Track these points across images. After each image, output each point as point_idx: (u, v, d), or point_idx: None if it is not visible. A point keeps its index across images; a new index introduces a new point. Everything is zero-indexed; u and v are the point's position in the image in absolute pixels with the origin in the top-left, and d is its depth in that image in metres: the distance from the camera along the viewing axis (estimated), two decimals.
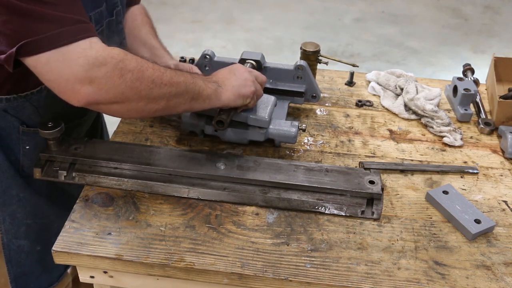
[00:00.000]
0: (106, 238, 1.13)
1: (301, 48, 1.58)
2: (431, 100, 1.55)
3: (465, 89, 1.55)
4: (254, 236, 1.15)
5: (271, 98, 1.38)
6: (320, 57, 1.59)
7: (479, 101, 1.61)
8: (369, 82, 1.69)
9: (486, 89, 1.69)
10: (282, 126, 1.35)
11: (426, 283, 1.07)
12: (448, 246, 1.15)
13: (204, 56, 1.48)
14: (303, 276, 1.07)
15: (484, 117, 1.55)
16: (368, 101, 1.61)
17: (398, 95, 1.61)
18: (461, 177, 1.35)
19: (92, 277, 1.16)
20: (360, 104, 1.60)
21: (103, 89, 1.03)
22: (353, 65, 1.64)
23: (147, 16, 1.54)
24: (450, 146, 1.45)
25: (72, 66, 1.00)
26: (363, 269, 1.09)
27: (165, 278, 1.13)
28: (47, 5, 0.98)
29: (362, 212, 1.21)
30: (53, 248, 1.11)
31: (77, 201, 1.22)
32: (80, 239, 1.12)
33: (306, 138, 1.45)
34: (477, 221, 1.18)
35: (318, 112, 1.57)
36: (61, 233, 1.14)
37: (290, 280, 1.07)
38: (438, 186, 1.31)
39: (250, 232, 1.16)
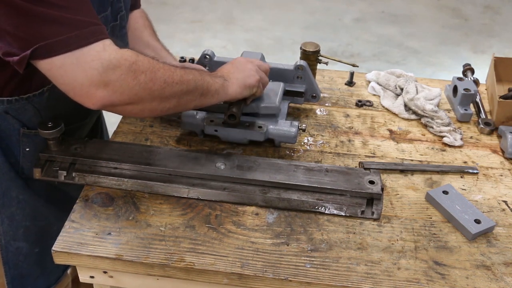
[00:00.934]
0: (106, 238, 1.13)
1: (301, 48, 1.58)
2: (431, 100, 1.55)
3: (465, 89, 1.54)
4: (254, 236, 1.15)
5: (280, 84, 1.42)
6: (320, 57, 1.59)
7: (479, 101, 1.61)
8: (369, 82, 1.69)
9: (486, 89, 1.69)
10: (282, 126, 1.35)
11: (426, 283, 1.07)
12: (448, 246, 1.15)
13: (204, 56, 1.48)
14: (303, 276, 1.07)
15: (484, 117, 1.55)
16: (368, 101, 1.61)
17: (398, 95, 1.61)
18: (461, 177, 1.35)
19: (92, 277, 1.16)
20: (360, 104, 1.60)
21: (117, 92, 1.03)
22: (353, 65, 1.64)
23: (147, 19, 1.56)
24: (450, 146, 1.45)
25: (86, 70, 1.00)
26: (363, 269, 1.09)
27: (165, 278, 1.13)
28: (60, 8, 0.99)
29: (362, 212, 1.21)
30: (53, 248, 1.11)
31: (77, 201, 1.22)
32: (80, 239, 1.12)
33: (306, 138, 1.45)
34: (477, 221, 1.18)
35: (318, 112, 1.57)
36: (61, 233, 1.14)
37: (290, 280, 1.07)
38: (438, 186, 1.31)
39: (250, 232, 1.16)
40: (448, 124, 1.48)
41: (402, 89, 1.60)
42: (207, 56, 1.48)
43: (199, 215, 1.20)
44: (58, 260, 1.12)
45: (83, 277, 1.17)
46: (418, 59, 4.02)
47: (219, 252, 1.11)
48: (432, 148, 1.44)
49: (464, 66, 1.72)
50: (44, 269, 1.42)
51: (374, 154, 1.41)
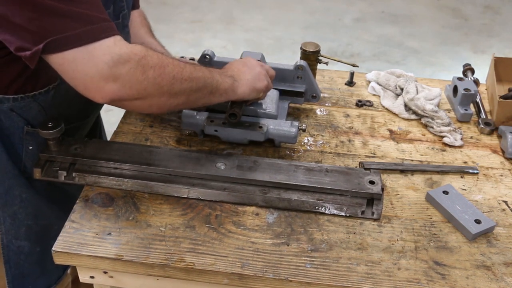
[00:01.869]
0: (106, 238, 1.13)
1: (301, 48, 1.58)
2: (431, 100, 1.55)
3: (465, 89, 1.54)
4: (254, 236, 1.15)
5: (275, 92, 1.43)
6: (320, 57, 1.59)
7: (479, 101, 1.61)
8: (369, 82, 1.69)
9: (486, 89, 1.69)
10: (282, 126, 1.35)
11: (426, 283, 1.07)
12: (448, 246, 1.15)
13: (204, 56, 1.48)
14: (303, 276, 1.07)
15: (484, 117, 1.55)
16: (368, 101, 1.61)
17: (398, 95, 1.61)
18: (461, 177, 1.35)
19: (92, 277, 1.16)
20: (360, 104, 1.60)
21: (126, 86, 1.04)
22: (353, 65, 1.64)
23: (145, 19, 1.57)
24: (450, 146, 1.45)
25: (97, 64, 1.01)
26: (363, 269, 1.09)
27: (165, 279, 1.13)
28: (73, 3, 1.00)
29: (362, 212, 1.21)
30: (53, 248, 1.11)
31: (77, 201, 1.22)
32: (80, 239, 1.12)
33: (306, 138, 1.45)
34: (477, 221, 1.18)
35: (318, 112, 1.57)
36: (61, 233, 1.14)
37: (290, 280, 1.07)
38: (438, 186, 1.30)
39: (250, 232, 1.16)
40: (448, 124, 1.48)
41: (402, 89, 1.60)
42: (207, 56, 1.48)
43: (199, 215, 1.20)
44: (58, 260, 1.12)
45: (83, 277, 1.17)
46: (418, 59, 4.02)
47: (219, 252, 1.11)
48: (432, 148, 1.44)
49: (464, 66, 1.72)
50: (44, 269, 1.42)
51: (374, 154, 1.41)
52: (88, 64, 1.01)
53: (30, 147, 1.29)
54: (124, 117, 1.50)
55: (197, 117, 1.37)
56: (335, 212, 1.21)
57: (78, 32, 1.00)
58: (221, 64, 1.47)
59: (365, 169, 1.32)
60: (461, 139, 1.46)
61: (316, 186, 1.23)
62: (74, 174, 1.26)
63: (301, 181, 1.24)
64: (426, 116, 1.51)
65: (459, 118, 1.55)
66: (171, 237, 1.14)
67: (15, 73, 1.17)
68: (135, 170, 1.26)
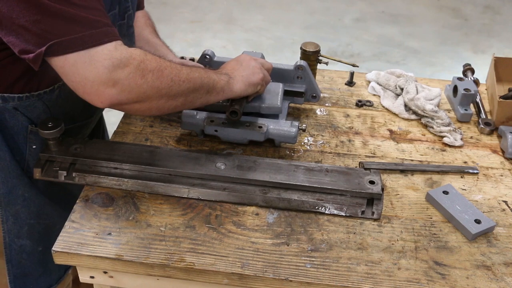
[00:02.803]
0: (106, 238, 1.13)
1: (301, 48, 1.58)
2: (431, 100, 1.55)
3: (465, 89, 1.54)
4: (254, 236, 1.15)
5: (279, 85, 1.43)
6: (320, 57, 1.59)
7: (479, 101, 1.61)
8: (369, 82, 1.69)
9: (486, 89, 1.69)
10: (282, 126, 1.35)
11: (426, 283, 1.07)
12: (448, 246, 1.15)
13: (204, 56, 1.48)
14: (303, 276, 1.07)
15: (484, 117, 1.55)
16: (368, 101, 1.61)
17: (398, 95, 1.61)
18: (461, 177, 1.35)
19: (92, 277, 1.16)
20: (360, 104, 1.60)
21: (126, 90, 1.05)
22: (353, 65, 1.64)
23: (150, 19, 1.58)
24: (450, 146, 1.45)
25: (97, 68, 1.02)
26: (363, 269, 1.09)
27: (165, 278, 1.13)
28: (77, 7, 1.01)
29: (362, 212, 1.21)
30: (53, 248, 1.11)
31: (77, 201, 1.22)
32: (80, 239, 1.12)
33: (306, 138, 1.45)
34: (477, 221, 1.18)
35: (318, 112, 1.57)
36: (61, 233, 1.14)
37: (290, 280, 1.07)
38: (438, 186, 1.31)
39: (250, 232, 1.16)
40: (448, 124, 1.48)
41: (402, 89, 1.60)
42: (207, 56, 1.48)
43: (199, 215, 1.20)
44: (58, 260, 1.12)
45: (83, 277, 1.17)
46: (418, 59, 4.02)
47: (219, 252, 1.11)
48: (432, 148, 1.44)
49: (464, 66, 1.72)
50: (46, 268, 1.42)
51: (374, 154, 1.41)
52: (88, 68, 1.02)
53: (34, 147, 1.29)
54: (124, 117, 1.50)
55: (197, 117, 1.37)
56: (335, 212, 1.21)
57: (80, 36, 1.01)
58: (221, 64, 1.47)
59: (365, 169, 1.32)
60: (461, 139, 1.46)
61: (316, 186, 1.23)
62: (74, 174, 1.26)
63: (301, 181, 1.24)
64: (426, 116, 1.51)
65: (459, 118, 1.55)
66: (171, 237, 1.14)
67: (20, 72, 1.17)
68: (135, 170, 1.26)
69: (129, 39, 1.40)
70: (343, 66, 1.66)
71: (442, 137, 1.47)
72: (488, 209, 1.25)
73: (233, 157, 1.31)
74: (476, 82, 1.67)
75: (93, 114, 1.47)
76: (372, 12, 4.67)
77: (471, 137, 1.49)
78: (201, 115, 1.37)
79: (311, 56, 1.57)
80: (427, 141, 1.47)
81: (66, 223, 1.16)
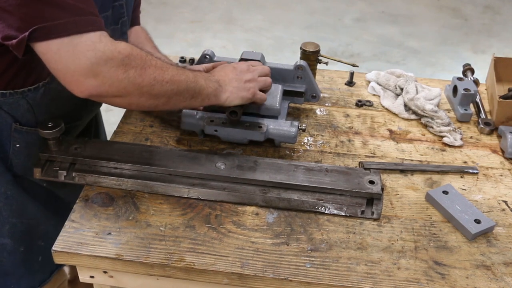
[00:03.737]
0: (106, 238, 1.13)
1: (301, 48, 1.58)
2: (431, 100, 1.55)
3: (465, 89, 1.55)
4: (254, 236, 1.15)
5: (278, 87, 1.43)
6: (320, 57, 1.59)
7: (479, 101, 1.61)
8: (369, 82, 1.69)
9: (486, 89, 1.69)
10: (282, 126, 1.35)
11: (426, 283, 1.07)
12: (448, 246, 1.16)
13: (204, 56, 1.48)
14: (303, 276, 1.07)
15: (484, 117, 1.55)
16: (368, 101, 1.61)
17: (398, 95, 1.61)
18: (461, 177, 1.35)
19: (92, 277, 1.16)
20: (360, 104, 1.60)
21: (106, 83, 1.05)
22: (353, 65, 1.64)
23: (148, 35, 1.58)
24: (450, 146, 1.45)
25: (80, 59, 1.01)
26: (363, 269, 1.10)
27: (165, 278, 1.13)
28: None
29: (362, 212, 1.21)
30: (53, 248, 1.11)
31: (77, 201, 1.22)
32: (80, 239, 1.12)
33: (306, 138, 1.45)
34: (477, 221, 1.18)
35: (318, 112, 1.57)
36: (61, 233, 1.14)
37: (290, 280, 1.07)
38: (438, 186, 1.31)
39: (250, 232, 1.16)
40: (448, 124, 1.48)
41: (402, 89, 1.60)
42: (207, 56, 1.48)
43: (199, 215, 1.20)
44: (58, 260, 1.12)
45: (83, 277, 1.17)
46: (418, 59, 4.02)
47: (219, 252, 1.11)
48: (432, 148, 1.44)
49: (464, 66, 1.72)
50: (29, 269, 1.40)
51: (374, 154, 1.41)
52: (70, 58, 1.02)
53: (18, 145, 1.28)
54: (124, 117, 1.50)
55: (197, 117, 1.37)
56: (335, 212, 1.21)
57: (64, 22, 1.00)
58: None
59: (365, 169, 1.32)
60: (461, 139, 1.46)
61: (316, 186, 1.23)
62: (74, 174, 1.26)
63: (301, 181, 1.24)
64: (426, 116, 1.51)
65: (459, 118, 1.55)
66: (171, 236, 1.14)
67: (4, 66, 1.16)
68: (135, 170, 1.26)
69: None
70: (343, 66, 1.66)
71: (442, 137, 1.47)
72: (488, 209, 1.26)
73: (233, 157, 1.31)
74: (476, 82, 1.67)
75: (81, 117, 1.45)
76: (372, 12, 4.67)
77: (471, 137, 1.49)
78: (201, 115, 1.37)
79: (311, 56, 1.57)
80: (427, 141, 1.47)
81: (66, 223, 1.16)
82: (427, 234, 1.18)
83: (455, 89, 1.59)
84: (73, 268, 1.50)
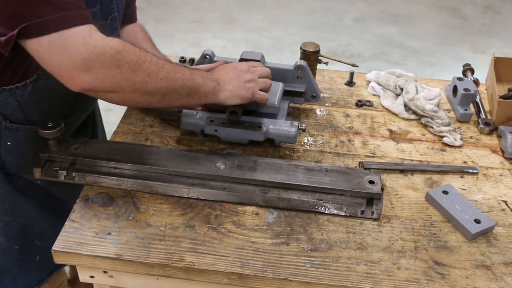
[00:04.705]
0: (106, 238, 1.13)
1: (301, 48, 1.58)
2: (431, 100, 1.55)
3: (465, 89, 1.55)
4: (254, 236, 1.15)
5: (279, 85, 1.43)
6: (320, 57, 1.59)
7: (479, 101, 1.61)
8: (369, 82, 1.69)
9: (486, 89, 1.69)
10: (282, 126, 1.35)
11: (426, 283, 1.07)
12: (448, 246, 1.16)
13: (204, 56, 1.48)
14: (303, 276, 1.07)
15: (484, 117, 1.55)
16: (368, 101, 1.61)
17: (398, 95, 1.62)
18: (461, 177, 1.35)
19: (92, 277, 1.16)
20: (360, 104, 1.60)
21: (99, 78, 1.05)
22: (353, 65, 1.64)
23: (147, 33, 1.57)
24: (450, 146, 1.45)
25: (72, 54, 1.02)
26: (363, 269, 1.10)
27: (165, 278, 1.13)
28: None
29: (362, 212, 1.21)
30: (53, 248, 1.11)
31: (77, 201, 1.22)
32: (80, 239, 1.12)
33: (306, 138, 1.46)
34: (477, 221, 1.18)
35: (318, 112, 1.57)
36: (61, 233, 1.14)
37: (290, 280, 1.07)
38: (438, 186, 1.31)
39: (250, 232, 1.16)
40: (448, 124, 1.48)
41: (402, 89, 1.60)
42: (207, 56, 1.48)
43: (199, 215, 1.20)
44: (58, 260, 1.12)
45: (83, 277, 1.17)
46: (418, 59, 4.02)
47: (219, 252, 1.11)
48: (432, 148, 1.44)
49: (464, 66, 1.72)
50: (24, 268, 1.40)
51: (374, 154, 1.41)
52: (63, 53, 1.02)
53: (9, 143, 1.28)
54: (124, 117, 1.50)
55: (197, 117, 1.37)
56: (335, 211, 1.21)
57: (53, 18, 1.01)
58: None
59: (365, 169, 1.32)
60: (461, 139, 1.46)
61: (316, 186, 1.23)
62: (74, 174, 1.26)
63: (301, 181, 1.24)
64: (426, 116, 1.51)
65: (459, 118, 1.55)
66: (171, 236, 1.14)
67: None
68: (135, 169, 1.26)
69: None
70: (343, 66, 1.66)
71: (442, 137, 1.47)
72: (488, 209, 1.26)
73: (233, 157, 1.31)
74: (476, 82, 1.67)
75: (73, 115, 1.43)
76: (372, 12, 4.68)
77: (471, 137, 1.49)
78: (201, 115, 1.37)
79: (311, 56, 1.57)
80: (427, 141, 1.47)
81: (66, 223, 1.16)
82: (427, 234, 1.18)
83: (455, 89, 1.59)
84: (73, 268, 1.50)
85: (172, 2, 4.70)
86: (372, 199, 1.23)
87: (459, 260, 1.12)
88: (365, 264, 1.10)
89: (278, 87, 1.42)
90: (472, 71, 1.70)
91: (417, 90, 1.57)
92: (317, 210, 1.22)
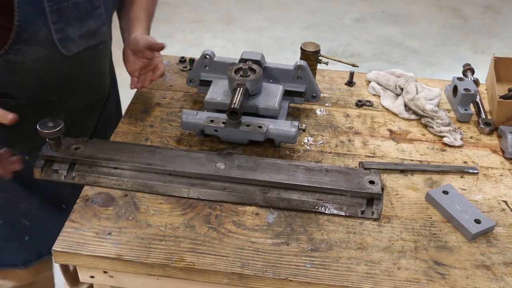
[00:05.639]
0: (106, 238, 1.13)
1: (301, 48, 1.58)
2: (431, 100, 1.55)
3: (465, 89, 1.54)
4: (254, 236, 1.15)
5: (279, 87, 1.43)
6: (320, 57, 1.59)
7: (479, 101, 1.61)
8: (369, 82, 1.69)
9: (486, 89, 1.69)
10: (282, 126, 1.35)
11: (426, 283, 1.07)
12: (448, 246, 1.16)
13: (204, 56, 1.48)
14: (303, 276, 1.07)
15: (484, 117, 1.55)
16: (368, 101, 1.61)
17: (398, 95, 1.61)
18: (461, 177, 1.35)
19: (92, 277, 1.16)
20: (360, 104, 1.60)
21: None
22: (353, 65, 1.64)
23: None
24: (450, 146, 1.45)
25: None
26: (363, 269, 1.09)
27: (165, 278, 1.13)
28: None
29: (362, 212, 1.21)
30: (53, 248, 1.11)
31: (77, 201, 1.22)
32: (80, 239, 1.12)
33: (306, 138, 1.45)
34: (477, 221, 1.18)
35: (318, 112, 1.57)
36: (61, 233, 1.14)
37: (290, 280, 1.07)
38: (438, 186, 1.31)
39: (250, 232, 1.16)
40: (448, 124, 1.48)
41: (402, 89, 1.60)
42: (207, 56, 1.48)
43: (199, 215, 1.20)
44: (58, 259, 1.12)
45: (83, 277, 1.17)
46: (418, 59, 4.02)
47: (219, 252, 1.11)
48: (432, 148, 1.44)
49: (464, 66, 1.72)
50: (10, 245, 1.41)
51: (374, 154, 1.41)
52: None
53: None
54: (124, 117, 1.50)
55: (197, 117, 1.37)
56: (335, 212, 1.21)
57: None
58: (221, 64, 1.47)
59: (365, 169, 1.32)
60: (461, 139, 1.46)
61: (316, 186, 1.23)
62: (74, 174, 1.26)
63: (301, 181, 1.24)
64: (426, 116, 1.51)
65: (459, 118, 1.55)
66: (171, 236, 1.14)
67: None
68: (135, 170, 1.26)
69: (95, 21, 1.33)
70: (343, 66, 1.66)
71: (442, 137, 1.47)
72: (488, 209, 1.26)
73: (233, 157, 1.31)
74: (476, 82, 1.67)
75: (54, 93, 1.37)
76: (372, 12, 4.68)
77: (471, 137, 1.49)
78: (201, 115, 1.37)
79: (311, 56, 1.57)
80: (427, 141, 1.47)
81: (66, 223, 1.16)
82: (427, 234, 1.18)
83: (455, 89, 1.59)
84: (66, 271, 1.49)
85: (172, 2, 4.70)
86: (372, 199, 1.23)
87: (459, 260, 1.12)
88: (365, 264, 1.10)
89: (278, 90, 1.42)
90: (472, 71, 1.70)
91: (417, 90, 1.57)
92: (317, 210, 1.22)
